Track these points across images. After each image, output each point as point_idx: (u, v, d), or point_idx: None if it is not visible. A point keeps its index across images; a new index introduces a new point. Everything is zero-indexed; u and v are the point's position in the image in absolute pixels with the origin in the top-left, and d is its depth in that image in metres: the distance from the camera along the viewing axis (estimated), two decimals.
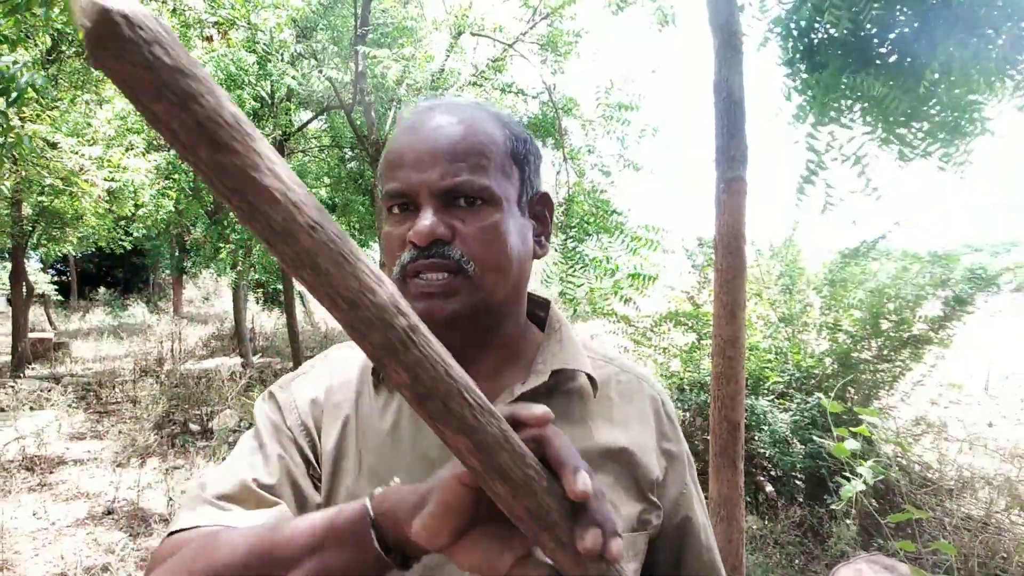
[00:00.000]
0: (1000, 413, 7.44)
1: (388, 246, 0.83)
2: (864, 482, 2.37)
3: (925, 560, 3.49)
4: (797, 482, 4.72)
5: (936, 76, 3.22)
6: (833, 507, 4.06)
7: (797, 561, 3.96)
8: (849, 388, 4.74)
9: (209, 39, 7.43)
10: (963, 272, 4.62)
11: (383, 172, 0.85)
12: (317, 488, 0.84)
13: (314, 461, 0.86)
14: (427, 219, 0.78)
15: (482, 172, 0.80)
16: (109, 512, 5.00)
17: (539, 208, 0.90)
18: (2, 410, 7.57)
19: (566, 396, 0.88)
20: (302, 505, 0.82)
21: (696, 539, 0.93)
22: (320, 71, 7.09)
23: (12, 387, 8.32)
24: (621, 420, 0.89)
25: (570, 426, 0.86)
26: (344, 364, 0.93)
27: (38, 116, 6.94)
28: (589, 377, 0.88)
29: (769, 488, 4.72)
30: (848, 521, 3.91)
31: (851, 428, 2.42)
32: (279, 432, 0.87)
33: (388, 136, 7.97)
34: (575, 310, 6.98)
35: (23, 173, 7.67)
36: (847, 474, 2.65)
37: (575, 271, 6.22)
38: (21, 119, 5.26)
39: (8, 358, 11.64)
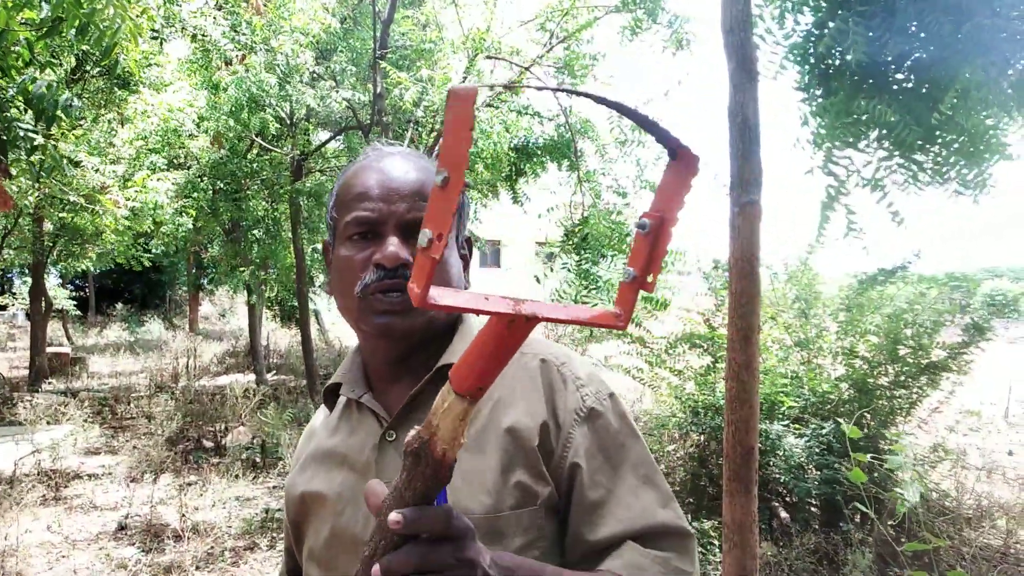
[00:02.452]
0: (1020, 441, 7.33)
1: (347, 267, 0.95)
2: (908, 498, 2.34)
3: None
4: (812, 509, 4.67)
5: (954, 101, 3.22)
6: (849, 533, 4.01)
7: None
8: (865, 414, 4.69)
9: (228, 63, 7.55)
10: (982, 298, 4.57)
11: (345, 202, 0.98)
12: None
13: None
14: (395, 245, 0.91)
15: None
16: (122, 527, 5.02)
17: (463, 250, 1.05)
18: (20, 424, 7.64)
19: None
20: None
21: (580, 484, 0.90)
22: (338, 92, 7.18)
23: (30, 401, 8.39)
24: (512, 399, 0.94)
25: None
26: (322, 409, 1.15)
27: (63, 134, 7.06)
28: None
29: (784, 514, 4.67)
30: (864, 549, 3.86)
31: (874, 456, 2.40)
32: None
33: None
34: (591, 332, 6.98)
35: (46, 190, 7.80)
36: (868, 497, 2.62)
37: (589, 292, 6.22)
38: (45, 137, 5.36)
39: (26, 372, 11.75)
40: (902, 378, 4.58)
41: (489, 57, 7.41)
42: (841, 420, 3.73)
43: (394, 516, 0.62)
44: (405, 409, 0.95)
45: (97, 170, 7.54)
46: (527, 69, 7.13)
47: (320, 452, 1.03)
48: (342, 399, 1.06)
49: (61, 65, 7.98)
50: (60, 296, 17.68)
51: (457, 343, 0.99)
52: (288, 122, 8.56)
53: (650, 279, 0.57)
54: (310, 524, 1.00)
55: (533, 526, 0.88)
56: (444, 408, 0.59)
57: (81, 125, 8.09)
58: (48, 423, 7.78)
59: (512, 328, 0.56)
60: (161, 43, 8.17)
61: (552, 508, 0.90)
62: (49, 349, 12.52)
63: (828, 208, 3.66)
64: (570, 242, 6.50)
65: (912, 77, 3.59)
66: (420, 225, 0.86)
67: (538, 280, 7.02)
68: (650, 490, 0.92)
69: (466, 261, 1.06)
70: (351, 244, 0.95)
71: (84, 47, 7.60)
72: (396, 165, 0.98)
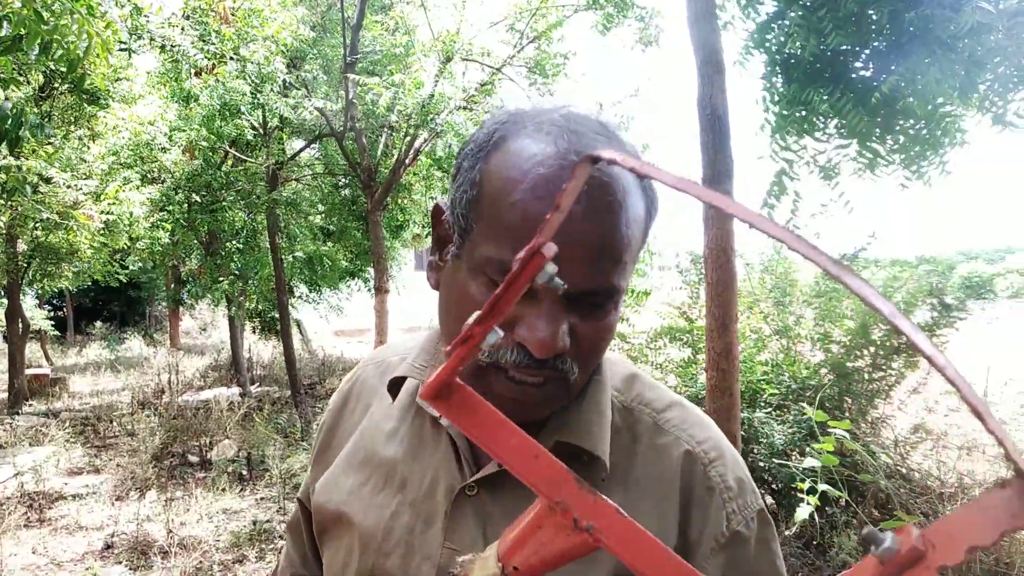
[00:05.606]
0: (1000, 418, 7.44)
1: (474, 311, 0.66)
2: (816, 501, 2.39)
3: None
4: (797, 494, 4.72)
5: (901, 85, 3.29)
6: (835, 516, 4.05)
7: (800, 573, 3.95)
8: (846, 398, 4.75)
9: (199, 73, 7.51)
10: (959, 280, 4.64)
11: (496, 216, 0.65)
12: None
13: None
14: (554, 330, 0.63)
15: (623, 272, 0.66)
16: (108, 546, 4.97)
17: None
18: (0, 447, 7.54)
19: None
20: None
21: None
22: (310, 100, 7.18)
23: (10, 424, 8.29)
24: (640, 498, 0.73)
25: None
26: (376, 371, 0.93)
27: (33, 152, 6.99)
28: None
29: (769, 500, 4.71)
30: (849, 531, 3.91)
31: (813, 446, 2.43)
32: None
33: (379, 161, 8.03)
34: None
35: (19, 209, 7.71)
36: (842, 480, 2.65)
37: None
38: (16, 156, 5.31)
39: (5, 395, 11.60)
40: (879, 361, 4.64)
41: (461, 60, 7.43)
42: (810, 407, 3.77)
43: None
44: (500, 473, 0.72)
45: (69, 186, 7.47)
46: (499, 70, 7.15)
47: (375, 458, 0.82)
48: (407, 387, 0.84)
49: (28, 83, 7.90)
50: (37, 317, 17.45)
51: (585, 411, 0.74)
52: (262, 131, 8.53)
53: None
54: (341, 542, 0.81)
55: None
56: (481, 562, 0.46)
57: (51, 142, 8.01)
58: (29, 445, 7.69)
59: (556, 526, 0.38)
60: (129, 55, 8.11)
61: None
62: (28, 371, 12.35)
63: (776, 194, 3.73)
64: None
65: (869, 65, 3.66)
66: (599, 295, 0.64)
67: None
68: None
69: None
70: (488, 288, 0.65)
71: (49, 64, 7.54)
72: (595, 198, 0.62)
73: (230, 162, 10.04)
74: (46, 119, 8.03)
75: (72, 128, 9.20)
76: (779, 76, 3.84)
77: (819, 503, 4.20)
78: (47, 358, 17.28)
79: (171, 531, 5.04)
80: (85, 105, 8.99)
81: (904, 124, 3.77)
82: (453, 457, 0.76)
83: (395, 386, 0.84)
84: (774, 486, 4.75)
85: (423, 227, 9.75)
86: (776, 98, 3.78)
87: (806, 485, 2.21)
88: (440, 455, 0.77)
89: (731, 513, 0.74)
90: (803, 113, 3.71)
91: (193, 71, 7.45)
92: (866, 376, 4.70)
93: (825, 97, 3.52)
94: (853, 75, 3.75)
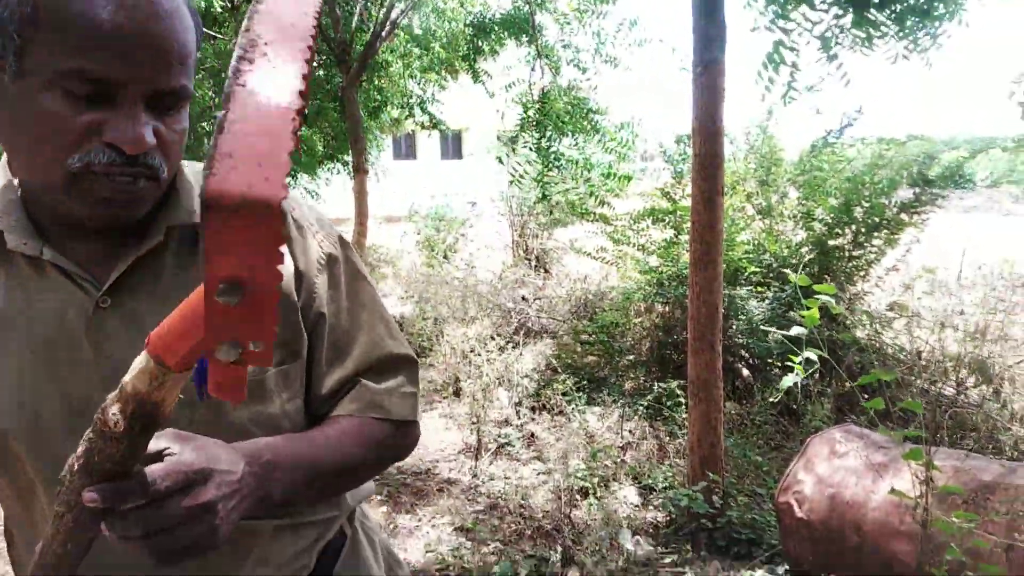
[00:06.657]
0: (971, 301, 7.62)
1: (55, 130, 0.68)
2: (802, 371, 2.43)
3: (895, 428, 3.62)
4: (775, 369, 4.84)
5: None
6: (809, 387, 4.18)
7: (773, 440, 4.10)
8: (825, 276, 4.81)
9: None
10: (941, 169, 4.62)
11: (60, 33, 0.67)
12: None
13: None
14: (140, 128, 0.70)
15: (189, 74, 0.74)
16: None
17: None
18: None
19: (189, 251, 0.83)
20: None
21: (324, 332, 0.91)
22: None
23: None
24: None
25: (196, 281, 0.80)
26: None
27: None
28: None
29: (746, 373, 4.85)
30: (823, 400, 4.04)
31: (801, 314, 2.45)
32: None
33: (354, 35, 7.68)
34: (552, 211, 6.95)
35: None
36: (822, 339, 2.70)
37: (551, 171, 6.15)
38: None
39: None
40: (859, 238, 4.67)
41: None
42: (789, 272, 3.82)
43: (89, 495, 0.55)
44: (126, 273, 0.78)
45: None
46: None
47: None
48: None
49: None
50: None
51: (184, 199, 0.82)
52: (230, 4, 8.09)
53: None
54: None
55: (296, 381, 0.89)
56: (167, 385, 0.53)
57: None
58: None
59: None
60: None
61: (304, 360, 0.91)
62: None
63: (773, 62, 3.61)
64: (529, 120, 6.37)
65: None
66: (176, 95, 0.73)
67: (500, 161, 6.91)
68: (380, 324, 0.96)
69: None
70: (65, 99, 0.68)
71: None
72: (148, 6, 0.68)
73: None
74: None
75: None
76: None
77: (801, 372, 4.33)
78: None
79: None
80: None
81: None
82: (70, 283, 0.78)
83: None
84: (751, 360, 4.87)
85: (401, 108, 9.46)
86: None
87: (798, 358, 2.24)
88: (52, 287, 0.78)
89: (321, 241, 0.92)
90: None
91: None
92: (846, 253, 4.74)
93: None
94: None
